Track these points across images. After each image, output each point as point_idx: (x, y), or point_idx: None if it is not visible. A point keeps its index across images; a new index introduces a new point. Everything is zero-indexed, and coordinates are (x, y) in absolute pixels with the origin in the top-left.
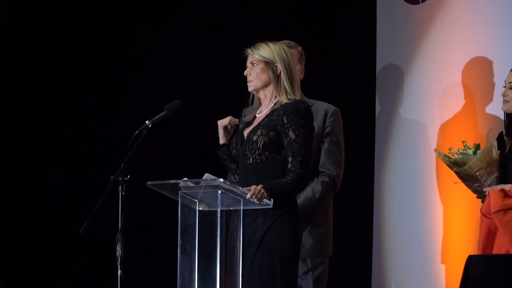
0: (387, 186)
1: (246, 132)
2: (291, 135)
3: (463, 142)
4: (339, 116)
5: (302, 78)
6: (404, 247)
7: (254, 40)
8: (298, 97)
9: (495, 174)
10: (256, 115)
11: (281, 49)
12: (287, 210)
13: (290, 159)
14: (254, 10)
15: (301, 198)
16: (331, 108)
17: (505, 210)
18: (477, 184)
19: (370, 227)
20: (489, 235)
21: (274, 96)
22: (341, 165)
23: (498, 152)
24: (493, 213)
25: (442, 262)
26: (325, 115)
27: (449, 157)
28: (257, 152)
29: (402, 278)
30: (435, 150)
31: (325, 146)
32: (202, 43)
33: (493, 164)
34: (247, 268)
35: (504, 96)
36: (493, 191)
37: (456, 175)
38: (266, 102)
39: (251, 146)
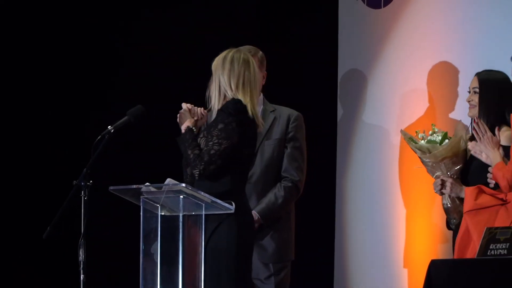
0: (349, 191)
1: None
2: (212, 127)
3: (432, 125)
4: (301, 122)
5: (264, 83)
6: (367, 252)
7: (217, 46)
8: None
9: (460, 165)
10: None
11: (219, 59)
12: (230, 213)
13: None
14: (217, 16)
15: (264, 203)
16: (294, 113)
17: (477, 210)
18: (439, 173)
19: (332, 232)
20: (464, 234)
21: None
22: (304, 170)
23: (466, 143)
24: (465, 212)
25: (404, 266)
26: (288, 120)
27: (415, 141)
28: (195, 151)
29: (365, 282)
30: (401, 131)
31: (288, 151)
32: (167, 51)
33: (459, 155)
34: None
35: (469, 101)
36: (468, 189)
37: (420, 159)
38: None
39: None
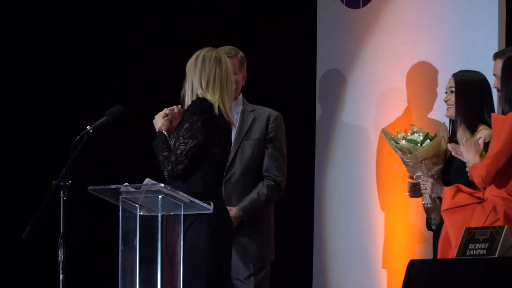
0: (328, 191)
1: None
2: (179, 129)
3: (411, 125)
4: (281, 122)
5: (244, 84)
6: (346, 252)
7: (195, 46)
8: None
9: (440, 166)
10: None
11: (192, 59)
12: (201, 213)
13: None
14: (196, 16)
15: (247, 200)
16: (273, 113)
17: (454, 208)
18: (419, 173)
19: (311, 232)
20: (447, 234)
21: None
22: (284, 170)
23: (447, 143)
24: (443, 211)
25: (383, 267)
26: (267, 120)
27: (396, 141)
28: (164, 153)
29: (344, 283)
30: (382, 130)
31: (269, 151)
32: (146, 51)
33: (440, 155)
34: None
35: (446, 101)
36: (447, 188)
37: (400, 159)
38: None
39: None
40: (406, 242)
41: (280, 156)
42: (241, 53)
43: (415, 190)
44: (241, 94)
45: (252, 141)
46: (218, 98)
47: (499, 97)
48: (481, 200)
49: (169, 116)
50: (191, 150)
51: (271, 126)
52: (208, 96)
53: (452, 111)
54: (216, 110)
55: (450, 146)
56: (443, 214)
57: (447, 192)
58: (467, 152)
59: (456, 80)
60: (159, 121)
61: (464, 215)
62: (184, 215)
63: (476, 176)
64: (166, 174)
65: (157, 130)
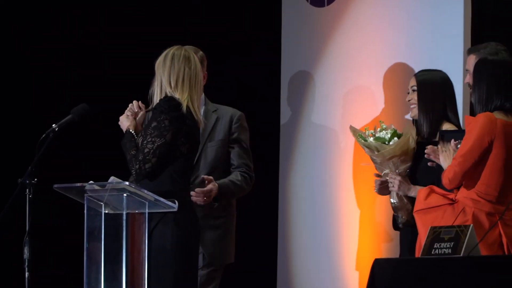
0: (293, 191)
1: None
2: (147, 127)
3: (380, 122)
4: (244, 121)
5: (205, 83)
6: (310, 252)
7: (161, 45)
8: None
9: (408, 164)
10: None
11: (161, 57)
12: (167, 212)
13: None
14: (160, 15)
15: (223, 180)
16: (236, 113)
17: (426, 209)
18: (387, 170)
19: (275, 233)
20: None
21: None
22: (252, 169)
23: (415, 141)
24: (415, 212)
25: (348, 267)
26: (231, 121)
27: (364, 138)
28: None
29: (308, 283)
30: (350, 127)
31: (235, 151)
32: (111, 49)
33: (408, 153)
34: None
35: (409, 101)
36: (421, 189)
37: (369, 156)
38: None
39: None
40: (372, 241)
41: (247, 155)
42: (200, 52)
43: (383, 188)
44: (203, 94)
45: (215, 142)
46: (187, 97)
47: (471, 93)
48: (453, 202)
49: (132, 115)
50: (158, 149)
51: (235, 127)
52: (177, 95)
53: (416, 111)
54: (184, 108)
55: (429, 148)
56: (415, 215)
57: (421, 193)
58: (444, 160)
59: (418, 79)
60: (124, 121)
61: (435, 216)
62: (152, 213)
63: (444, 178)
64: (134, 172)
65: (124, 130)
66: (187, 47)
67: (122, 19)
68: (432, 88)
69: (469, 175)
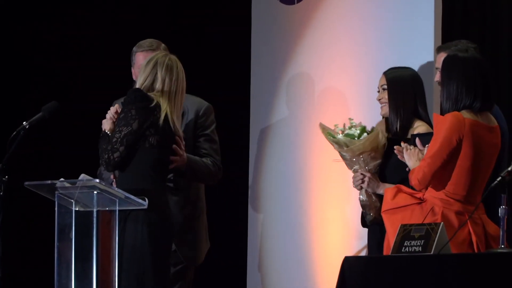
0: (263, 188)
1: None
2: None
3: (349, 119)
4: (211, 113)
5: None
6: (281, 249)
7: (131, 40)
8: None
9: (378, 161)
10: None
11: (144, 63)
12: (134, 209)
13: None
14: (131, 9)
15: (196, 157)
16: (203, 106)
17: (394, 209)
18: (357, 166)
19: (245, 229)
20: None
21: None
22: (219, 158)
23: (386, 138)
24: (383, 212)
25: (318, 264)
26: (197, 115)
27: (333, 135)
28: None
29: (278, 280)
30: (320, 124)
31: (202, 144)
32: (80, 47)
33: (378, 150)
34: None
35: (379, 100)
36: (387, 189)
37: (339, 153)
38: None
39: None
40: (342, 238)
41: (215, 147)
42: (163, 45)
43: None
44: None
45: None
46: (166, 107)
47: (442, 91)
48: (421, 201)
49: (111, 119)
50: (125, 137)
51: (201, 121)
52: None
53: (386, 109)
54: (162, 117)
55: (396, 149)
56: (383, 215)
57: (388, 192)
58: (409, 159)
59: (388, 77)
60: (104, 124)
61: (403, 216)
62: (124, 211)
63: (413, 179)
64: (104, 163)
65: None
66: (148, 41)
67: (92, 13)
68: (402, 86)
69: (438, 176)
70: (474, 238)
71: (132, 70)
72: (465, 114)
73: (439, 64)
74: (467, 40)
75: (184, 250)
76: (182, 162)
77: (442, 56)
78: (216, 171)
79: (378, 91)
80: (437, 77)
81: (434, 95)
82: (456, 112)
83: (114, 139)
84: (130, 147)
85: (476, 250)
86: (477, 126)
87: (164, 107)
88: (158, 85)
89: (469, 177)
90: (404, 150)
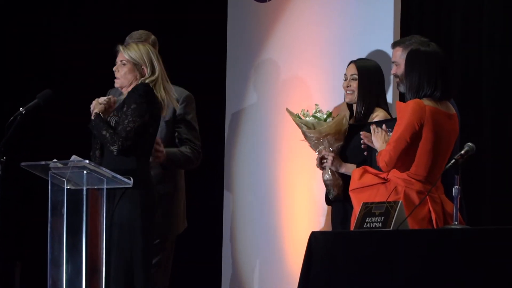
0: (235, 169)
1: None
2: (125, 108)
3: (316, 105)
4: (191, 101)
5: None
6: (253, 224)
7: (115, 33)
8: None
9: (341, 143)
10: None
11: (149, 50)
12: (128, 188)
13: (118, 125)
14: (115, 4)
15: (175, 149)
16: (184, 93)
17: (360, 188)
18: (322, 147)
19: (220, 208)
20: None
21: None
22: (199, 141)
23: (348, 123)
24: (350, 191)
25: (288, 240)
26: (178, 99)
27: (300, 118)
28: (110, 131)
29: (251, 254)
30: (287, 109)
31: (182, 129)
32: (71, 37)
33: (341, 132)
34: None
35: (347, 87)
36: (354, 170)
37: (303, 134)
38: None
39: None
40: (309, 214)
41: (195, 132)
42: (152, 36)
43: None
44: None
45: (162, 123)
46: (159, 86)
47: (398, 83)
48: (385, 181)
49: (106, 104)
50: (138, 128)
51: (181, 107)
52: (148, 81)
53: (352, 97)
54: (163, 109)
55: (362, 134)
56: (351, 194)
57: (355, 173)
58: (376, 141)
59: (358, 66)
60: (96, 106)
61: (369, 194)
62: (115, 190)
63: (381, 161)
64: (116, 148)
65: (93, 112)
66: (138, 32)
67: (84, 6)
68: (371, 76)
69: (402, 158)
70: (433, 216)
71: None
72: (426, 102)
73: (395, 58)
74: (419, 35)
75: (162, 221)
76: (164, 158)
77: (398, 50)
78: (195, 157)
79: (345, 79)
80: (393, 70)
81: (393, 87)
82: (417, 99)
83: (129, 128)
84: (140, 136)
85: (435, 227)
86: (437, 113)
87: (162, 98)
88: (156, 75)
89: (429, 159)
90: (372, 134)
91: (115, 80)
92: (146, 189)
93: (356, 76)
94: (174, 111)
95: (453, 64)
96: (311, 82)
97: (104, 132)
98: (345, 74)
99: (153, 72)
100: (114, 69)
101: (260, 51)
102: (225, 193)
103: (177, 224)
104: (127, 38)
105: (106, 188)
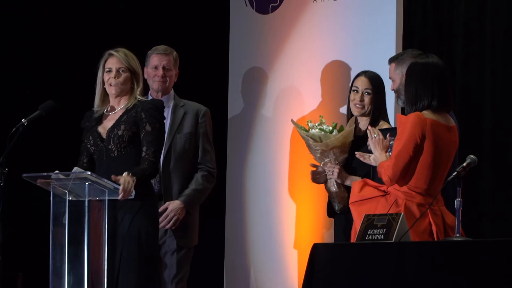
0: (243, 177)
1: (105, 128)
2: (148, 128)
3: (320, 116)
4: (209, 116)
5: (175, 81)
6: (257, 241)
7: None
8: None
9: (346, 155)
10: (106, 113)
11: (136, 60)
12: (144, 203)
13: (145, 148)
14: (118, 18)
15: (187, 193)
16: (202, 109)
17: (360, 201)
18: (328, 159)
19: (222, 221)
20: None
21: (128, 98)
22: (215, 161)
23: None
24: (350, 203)
25: (294, 248)
26: (197, 115)
27: (306, 130)
28: (122, 145)
29: (256, 265)
30: (292, 120)
31: (201, 145)
32: (68, 48)
33: (347, 145)
34: (118, 258)
35: (360, 101)
36: (355, 182)
37: (308, 147)
38: (120, 103)
39: (116, 141)
40: (313, 227)
41: (211, 148)
42: (175, 52)
43: (318, 178)
44: (172, 89)
45: (184, 135)
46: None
47: (396, 98)
48: (385, 193)
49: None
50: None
51: (201, 121)
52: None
53: (363, 111)
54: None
55: (357, 154)
56: (351, 207)
57: (355, 186)
58: (374, 148)
59: (372, 81)
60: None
61: (370, 207)
62: (124, 205)
63: (384, 175)
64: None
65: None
66: (162, 46)
67: (84, 20)
68: (381, 88)
69: (404, 172)
70: (434, 228)
71: (145, 70)
72: (426, 114)
73: (391, 74)
74: (412, 49)
75: (180, 234)
76: (183, 215)
77: (391, 67)
78: (210, 183)
79: (356, 91)
80: (392, 86)
81: (394, 98)
82: (418, 112)
83: (158, 152)
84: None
85: (436, 239)
86: (437, 126)
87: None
88: (140, 87)
89: (430, 172)
90: (370, 140)
91: (113, 87)
92: (152, 204)
93: (370, 91)
94: (196, 124)
95: (454, 75)
96: (313, 93)
97: (145, 175)
98: (356, 87)
99: (139, 83)
100: (111, 76)
101: (262, 61)
102: (227, 198)
103: (194, 233)
104: (149, 51)
105: (108, 200)
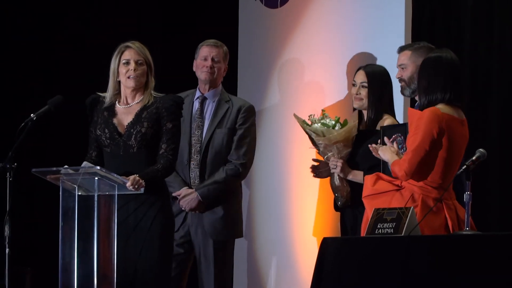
0: (255, 172)
1: (123, 123)
2: (169, 125)
3: (322, 110)
4: (251, 112)
5: (224, 75)
6: (274, 239)
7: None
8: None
9: (350, 149)
10: (119, 105)
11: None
12: (159, 197)
13: (164, 145)
14: (126, 12)
15: (205, 185)
16: (245, 105)
17: (374, 194)
18: (331, 153)
19: None
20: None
21: (143, 92)
22: (248, 155)
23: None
24: (364, 197)
25: (300, 244)
26: (238, 111)
27: (308, 124)
28: (144, 143)
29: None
30: (294, 115)
31: (236, 138)
32: (80, 43)
33: (350, 140)
34: (137, 252)
35: (357, 94)
36: (367, 176)
37: (311, 141)
38: (135, 97)
39: (139, 138)
40: (322, 219)
41: (245, 142)
42: (225, 47)
43: (319, 172)
44: (221, 85)
45: (223, 130)
46: None
47: (402, 87)
48: (399, 188)
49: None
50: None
51: (241, 117)
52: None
53: (361, 103)
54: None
55: (370, 147)
56: (364, 201)
57: (368, 179)
58: (384, 154)
59: (368, 75)
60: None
61: (384, 201)
62: (137, 197)
63: (399, 170)
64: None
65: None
66: (212, 40)
67: (90, 14)
68: (379, 82)
69: (420, 166)
70: (449, 223)
71: (194, 62)
72: (442, 109)
73: (402, 60)
74: (425, 42)
75: (216, 225)
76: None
77: (405, 54)
78: (234, 177)
79: (354, 85)
80: (398, 74)
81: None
82: (434, 108)
83: (176, 150)
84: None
85: None
86: (452, 120)
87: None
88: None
89: (445, 166)
90: (374, 152)
91: (132, 80)
92: (168, 200)
93: (365, 84)
94: (235, 119)
95: (464, 70)
96: (322, 87)
97: (158, 176)
98: (354, 81)
99: (152, 77)
100: (131, 68)
101: (271, 57)
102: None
103: (238, 226)
104: (200, 44)
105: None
